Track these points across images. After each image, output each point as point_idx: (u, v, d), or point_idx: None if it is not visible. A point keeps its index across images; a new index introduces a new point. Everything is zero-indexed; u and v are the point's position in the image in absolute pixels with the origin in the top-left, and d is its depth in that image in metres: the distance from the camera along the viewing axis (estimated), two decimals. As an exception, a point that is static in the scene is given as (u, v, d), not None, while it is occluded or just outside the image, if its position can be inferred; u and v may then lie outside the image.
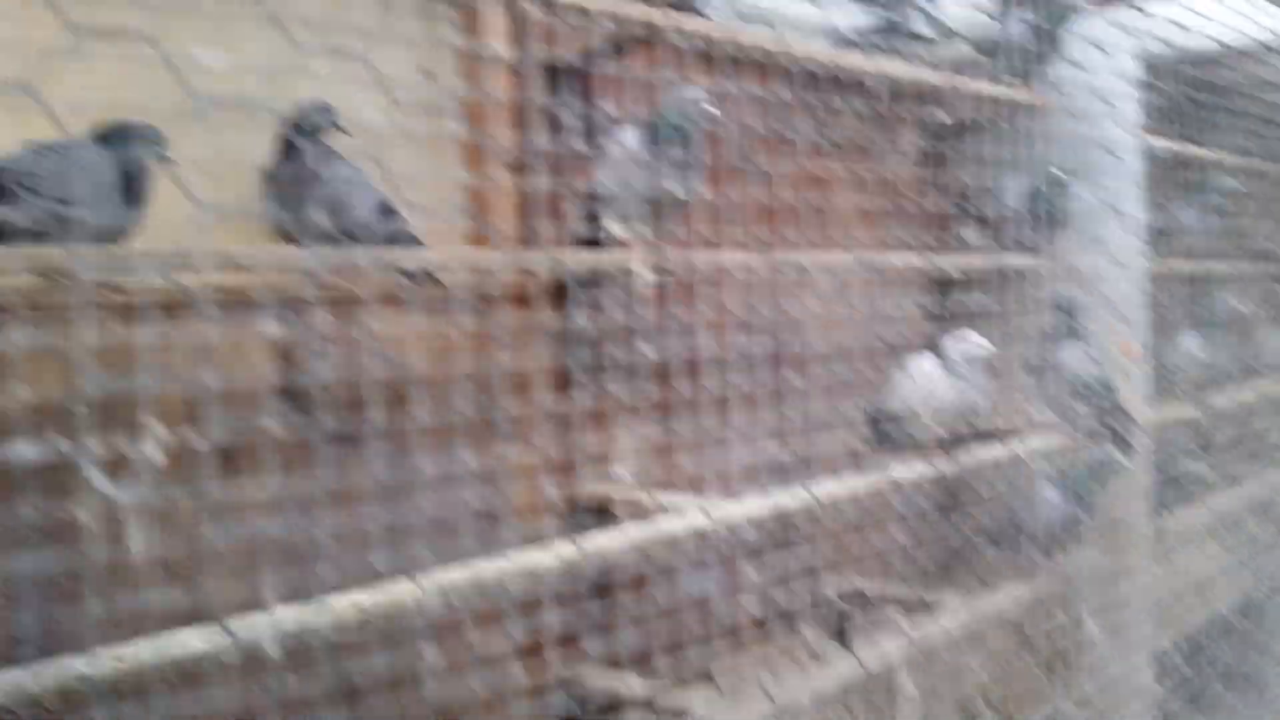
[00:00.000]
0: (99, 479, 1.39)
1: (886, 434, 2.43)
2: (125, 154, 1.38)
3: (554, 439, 2.10)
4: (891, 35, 2.68)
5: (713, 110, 1.94)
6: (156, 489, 1.47)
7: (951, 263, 2.71)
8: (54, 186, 1.30)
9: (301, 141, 1.58)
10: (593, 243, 2.01)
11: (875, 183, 2.71)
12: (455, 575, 1.51)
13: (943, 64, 2.75)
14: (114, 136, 1.39)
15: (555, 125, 2.12)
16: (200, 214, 1.30)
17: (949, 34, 2.87)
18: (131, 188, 1.38)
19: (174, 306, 1.50)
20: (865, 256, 2.41)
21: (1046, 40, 2.91)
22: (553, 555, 1.64)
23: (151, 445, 1.43)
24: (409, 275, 1.71)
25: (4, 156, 1.32)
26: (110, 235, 1.36)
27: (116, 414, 1.40)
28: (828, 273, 2.38)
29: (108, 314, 1.40)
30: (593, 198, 2.02)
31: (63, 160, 1.32)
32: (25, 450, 1.35)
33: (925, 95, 2.76)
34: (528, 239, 2.09)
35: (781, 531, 2.31)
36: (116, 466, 1.44)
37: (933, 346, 2.48)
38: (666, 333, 2.19)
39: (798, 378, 2.37)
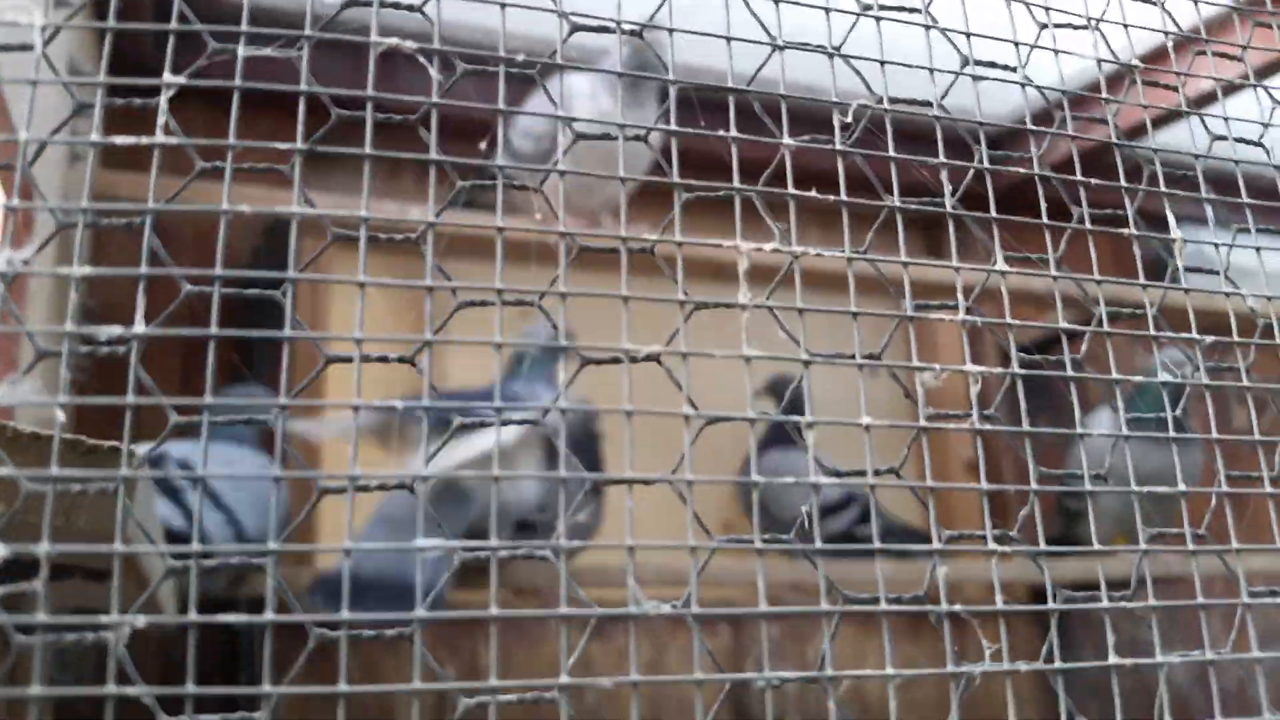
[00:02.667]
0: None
1: None
2: (583, 444, 1.37)
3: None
4: None
5: (1188, 374, 1.65)
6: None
7: None
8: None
9: (773, 428, 1.55)
10: (1067, 542, 1.71)
11: None
12: None
13: None
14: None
15: (1016, 415, 1.93)
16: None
17: None
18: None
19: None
20: None
21: None
22: None
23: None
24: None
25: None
26: (582, 533, 1.35)
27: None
28: None
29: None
30: (1064, 490, 1.76)
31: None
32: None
33: None
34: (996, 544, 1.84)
35: None
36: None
37: None
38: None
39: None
